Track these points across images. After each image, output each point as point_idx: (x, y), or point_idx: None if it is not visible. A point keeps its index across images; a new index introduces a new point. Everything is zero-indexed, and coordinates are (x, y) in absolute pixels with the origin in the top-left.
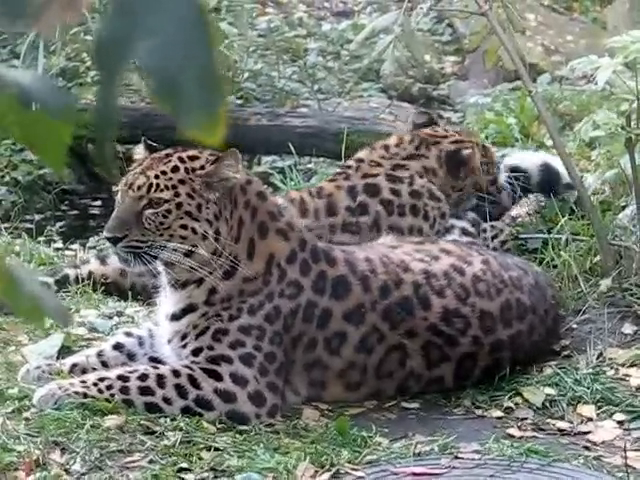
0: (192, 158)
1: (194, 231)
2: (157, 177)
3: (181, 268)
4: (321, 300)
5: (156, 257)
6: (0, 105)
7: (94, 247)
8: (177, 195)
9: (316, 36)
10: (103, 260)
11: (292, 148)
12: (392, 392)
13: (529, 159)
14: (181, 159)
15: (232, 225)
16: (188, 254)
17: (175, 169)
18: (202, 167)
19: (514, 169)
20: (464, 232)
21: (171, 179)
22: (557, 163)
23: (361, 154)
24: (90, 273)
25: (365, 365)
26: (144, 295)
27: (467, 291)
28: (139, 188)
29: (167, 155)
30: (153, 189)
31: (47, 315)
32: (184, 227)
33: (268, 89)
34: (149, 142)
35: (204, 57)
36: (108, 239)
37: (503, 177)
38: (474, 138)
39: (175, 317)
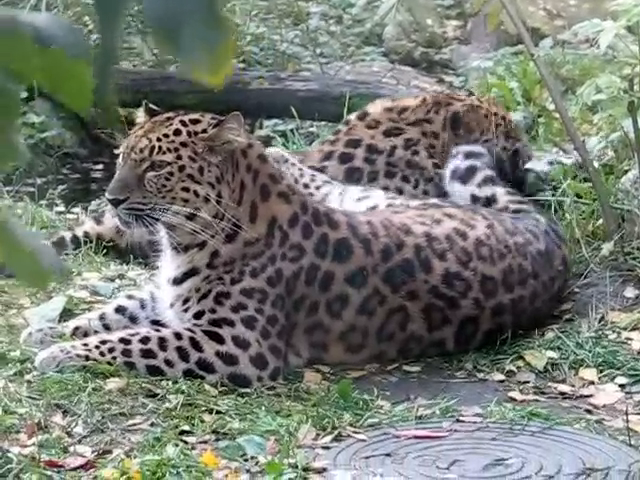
0: (194, 121)
1: (196, 194)
2: (159, 140)
3: (183, 231)
4: (323, 263)
5: (158, 219)
6: (21, 49)
7: (95, 210)
8: (179, 158)
9: (318, 0)
10: (98, 220)
11: (294, 112)
12: (393, 355)
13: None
14: (183, 122)
15: (234, 188)
16: (190, 217)
17: (177, 132)
18: (204, 130)
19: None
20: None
21: (173, 142)
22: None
23: (372, 108)
24: (86, 233)
25: (366, 328)
26: (141, 252)
27: (469, 255)
28: (141, 151)
29: (168, 118)
30: (155, 151)
31: (49, 277)
32: (186, 190)
33: (270, 53)
34: (150, 106)
35: None
36: (110, 201)
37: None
38: (495, 107)
39: (177, 281)
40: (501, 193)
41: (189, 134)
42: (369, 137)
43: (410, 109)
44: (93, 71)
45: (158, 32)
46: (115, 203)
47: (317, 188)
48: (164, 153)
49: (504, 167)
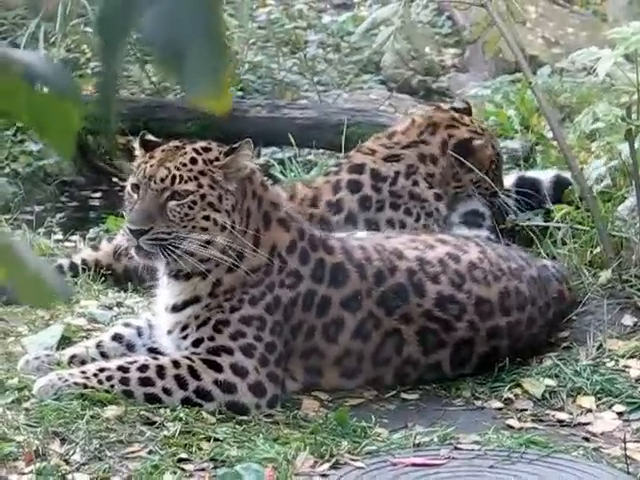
0: (206, 150)
1: (215, 222)
2: (178, 169)
3: (190, 259)
4: (320, 288)
5: (178, 248)
6: (9, 87)
7: (94, 238)
8: (200, 186)
9: (316, 28)
10: (95, 247)
11: (292, 140)
12: (390, 380)
13: (541, 172)
14: (196, 151)
15: (242, 216)
16: (206, 245)
17: (193, 161)
18: (217, 158)
19: (523, 180)
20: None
21: (192, 170)
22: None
23: (365, 143)
24: (84, 261)
25: (362, 352)
26: (138, 278)
27: (462, 277)
28: (162, 180)
29: (179, 147)
30: (177, 181)
31: (53, 297)
32: (207, 218)
33: (268, 81)
34: (145, 137)
35: (207, 24)
36: (132, 232)
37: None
38: (494, 141)
39: (176, 308)
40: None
41: (205, 162)
42: (371, 162)
43: (399, 132)
44: (96, 99)
45: (161, 60)
46: (138, 234)
47: None
48: (186, 182)
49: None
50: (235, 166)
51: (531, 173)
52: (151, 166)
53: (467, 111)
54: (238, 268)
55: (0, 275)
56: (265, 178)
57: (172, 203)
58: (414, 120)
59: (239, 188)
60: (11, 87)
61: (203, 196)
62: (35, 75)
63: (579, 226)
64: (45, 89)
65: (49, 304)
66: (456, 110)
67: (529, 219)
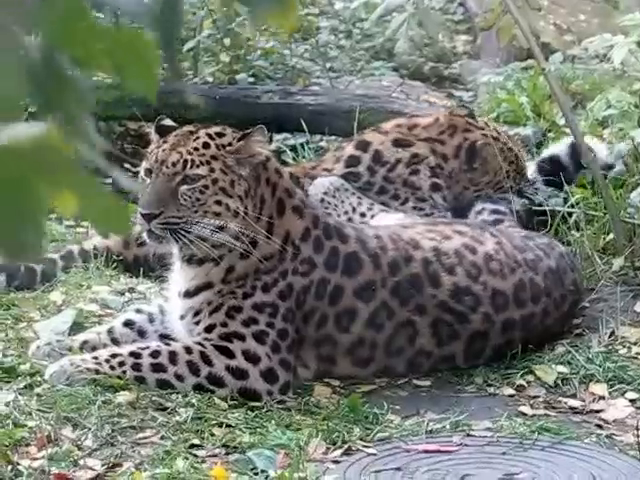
0: (219, 135)
1: (227, 207)
2: (190, 153)
3: (203, 244)
4: (333, 276)
5: (190, 233)
6: (86, 31)
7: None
8: (212, 171)
9: (328, 14)
10: (104, 234)
11: (304, 126)
12: (402, 369)
13: (555, 147)
14: (209, 135)
15: (255, 203)
16: (219, 230)
17: (206, 145)
18: (230, 144)
19: (542, 163)
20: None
21: (204, 155)
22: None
23: (384, 124)
24: (94, 247)
25: (375, 341)
26: (147, 266)
27: (479, 269)
28: (173, 165)
29: (193, 132)
30: (189, 165)
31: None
32: (218, 203)
33: (280, 67)
34: (161, 123)
35: None
36: (143, 215)
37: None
38: (511, 143)
39: (189, 294)
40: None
41: (217, 147)
42: (378, 142)
43: (420, 126)
44: (158, 26)
45: None
46: (149, 218)
47: (373, 217)
48: (197, 166)
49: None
50: (248, 152)
51: (546, 153)
52: (163, 150)
53: (468, 117)
54: (251, 255)
55: (71, 206)
56: (278, 165)
57: (184, 187)
58: (438, 118)
59: (252, 174)
60: (85, 28)
61: (215, 181)
62: (108, 4)
63: (592, 212)
64: (118, 19)
65: (127, 228)
66: (458, 117)
67: (541, 204)
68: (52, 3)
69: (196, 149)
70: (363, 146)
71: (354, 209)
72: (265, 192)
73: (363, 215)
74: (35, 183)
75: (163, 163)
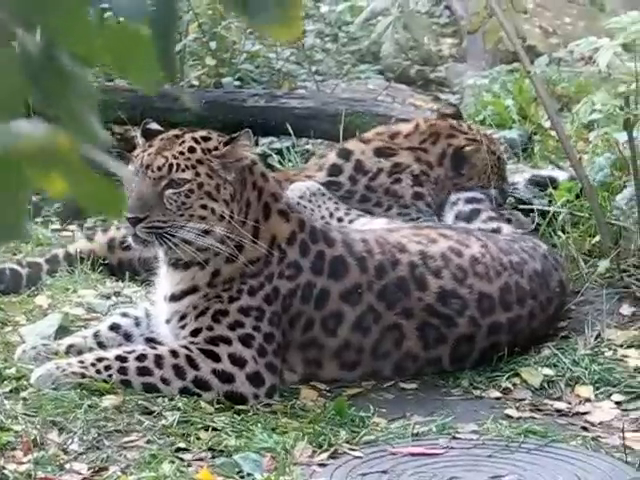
0: (205, 139)
1: (213, 211)
2: (176, 157)
3: (188, 248)
4: (319, 280)
5: (174, 237)
6: (85, 28)
7: (91, 228)
8: (198, 175)
9: (314, 18)
10: (90, 237)
11: (290, 129)
12: (389, 372)
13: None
14: (195, 140)
15: (241, 207)
16: (204, 234)
17: (192, 149)
18: (216, 148)
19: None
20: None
21: (189, 159)
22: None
23: (366, 133)
24: (80, 251)
25: (361, 345)
26: (132, 270)
27: (465, 272)
28: (159, 169)
29: (178, 136)
30: (174, 169)
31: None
32: (204, 207)
33: (266, 70)
34: (147, 127)
35: None
36: (129, 219)
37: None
38: (493, 146)
39: (174, 298)
40: (506, 227)
41: (203, 151)
42: (360, 151)
43: (402, 134)
44: (154, 28)
45: None
46: (134, 222)
47: (351, 222)
48: (183, 171)
49: None
50: (234, 156)
51: (545, 172)
52: (149, 154)
53: (455, 116)
54: (237, 259)
55: (59, 188)
56: (264, 169)
57: (169, 191)
58: (418, 125)
59: (238, 178)
60: (84, 24)
61: (200, 185)
62: (106, 1)
63: (578, 213)
64: (118, 17)
65: (116, 212)
66: (445, 115)
67: (527, 202)
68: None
69: (182, 153)
70: (345, 155)
71: (331, 214)
72: (251, 196)
73: (340, 220)
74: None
75: (148, 167)
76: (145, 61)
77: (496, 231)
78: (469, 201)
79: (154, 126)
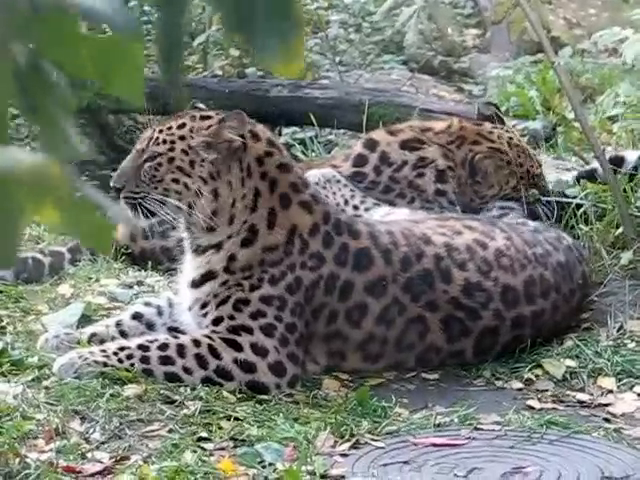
0: (203, 118)
1: (186, 186)
2: (161, 131)
3: (195, 231)
4: (343, 272)
5: (154, 212)
6: (69, 36)
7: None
8: (172, 150)
9: (338, 8)
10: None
11: (313, 119)
12: (412, 364)
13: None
14: (193, 117)
15: (245, 193)
16: (189, 212)
17: (181, 126)
18: (209, 127)
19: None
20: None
21: (173, 134)
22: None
23: (400, 124)
24: None
25: (385, 337)
26: (154, 259)
27: (490, 265)
28: (143, 141)
29: (185, 114)
30: (152, 142)
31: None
32: (176, 181)
33: None
34: (197, 107)
35: None
36: (113, 188)
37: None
38: (525, 156)
39: (195, 284)
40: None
41: (192, 129)
42: (386, 143)
43: (433, 131)
44: (159, 50)
45: (230, 27)
46: (116, 191)
47: (366, 210)
48: (158, 144)
49: None
50: (218, 137)
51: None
52: (147, 129)
53: (493, 118)
54: (252, 244)
55: (53, 220)
56: (289, 160)
57: (146, 164)
58: (451, 125)
59: (230, 160)
60: (71, 35)
61: (171, 159)
62: (93, 14)
63: (602, 204)
64: (105, 29)
65: (107, 246)
66: (483, 118)
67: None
68: (39, 10)
69: (169, 128)
70: (371, 145)
71: (346, 201)
72: (260, 185)
73: (356, 208)
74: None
75: (139, 139)
76: (130, 74)
77: (522, 224)
78: (502, 207)
79: (202, 107)
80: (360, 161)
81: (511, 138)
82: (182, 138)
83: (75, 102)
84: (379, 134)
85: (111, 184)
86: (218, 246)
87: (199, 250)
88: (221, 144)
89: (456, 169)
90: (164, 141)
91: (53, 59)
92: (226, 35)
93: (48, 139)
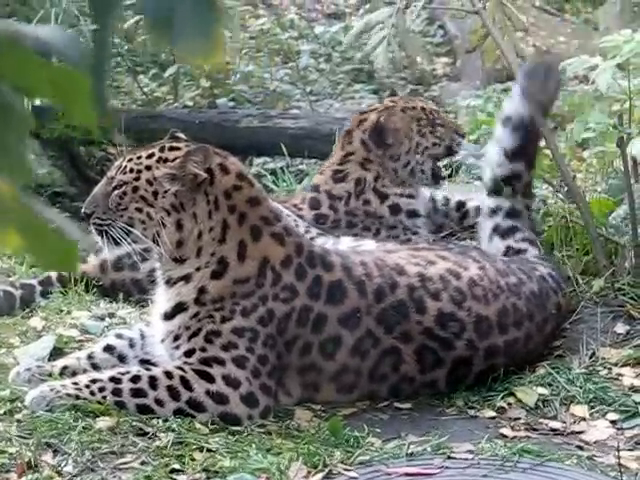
0: (172, 149)
1: (149, 216)
2: (130, 160)
3: (164, 262)
4: (316, 305)
5: (119, 240)
6: (27, 63)
7: (84, 250)
8: (137, 179)
9: (308, 38)
10: (83, 259)
11: (284, 149)
12: (384, 394)
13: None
14: (162, 148)
15: (212, 226)
16: (152, 241)
17: (150, 156)
18: (175, 159)
19: None
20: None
21: (140, 164)
22: None
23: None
24: (71, 273)
25: (359, 369)
26: (125, 291)
27: (463, 295)
28: (113, 169)
29: (155, 145)
30: (120, 171)
31: (77, 259)
32: (139, 210)
33: (260, 91)
34: (176, 136)
35: None
36: (84, 214)
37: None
38: (411, 102)
39: (167, 316)
40: (533, 250)
41: (159, 160)
42: (323, 182)
43: (337, 154)
44: (90, 69)
45: (151, 18)
46: (86, 217)
47: (311, 239)
48: (125, 173)
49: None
50: (182, 169)
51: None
52: (122, 157)
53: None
54: (222, 276)
55: (15, 245)
56: (259, 193)
57: (115, 192)
58: (340, 137)
59: (195, 193)
60: (30, 63)
61: (135, 188)
62: (45, 46)
63: (577, 220)
64: (59, 61)
65: (73, 267)
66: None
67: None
68: None
69: (139, 157)
70: (316, 188)
71: None
72: (228, 218)
73: None
74: None
75: (112, 167)
76: (81, 100)
77: (522, 252)
78: (509, 214)
79: (181, 136)
80: (315, 204)
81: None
82: (148, 168)
83: (32, 125)
84: (315, 178)
85: (82, 209)
86: (187, 278)
87: (170, 282)
88: (185, 177)
89: (370, 161)
90: (131, 170)
91: (11, 81)
92: (147, 29)
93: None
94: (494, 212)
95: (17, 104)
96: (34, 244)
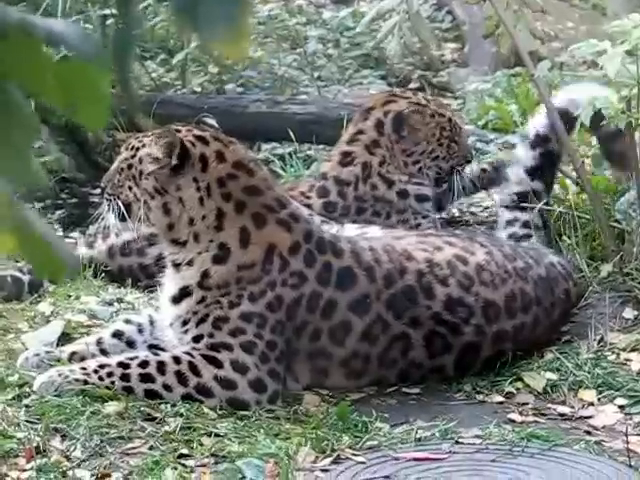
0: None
1: (136, 196)
2: (137, 138)
3: (165, 245)
4: (326, 291)
5: (123, 215)
6: (35, 64)
7: (93, 235)
8: (133, 157)
9: (316, 24)
10: (90, 244)
11: (292, 135)
12: (393, 380)
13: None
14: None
15: (205, 214)
16: (145, 221)
17: (149, 135)
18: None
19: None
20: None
21: (141, 141)
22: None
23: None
24: (81, 257)
25: (368, 354)
26: (132, 276)
27: (471, 280)
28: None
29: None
30: (124, 147)
31: (64, 268)
32: (130, 189)
33: (268, 77)
34: (204, 121)
35: None
36: (100, 188)
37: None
38: (443, 109)
39: (175, 300)
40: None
41: (151, 141)
42: (330, 168)
43: (346, 134)
44: (113, 58)
45: (177, 10)
46: (101, 191)
47: None
48: (127, 149)
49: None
50: (156, 152)
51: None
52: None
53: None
54: (225, 262)
55: (10, 247)
56: (254, 183)
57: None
58: (357, 113)
59: (169, 177)
60: (37, 64)
61: (130, 165)
62: (59, 40)
63: (584, 215)
64: (71, 55)
65: (60, 276)
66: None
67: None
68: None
69: (146, 136)
70: (323, 176)
71: None
72: (223, 206)
73: None
74: None
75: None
76: (95, 102)
77: (527, 238)
78: (525, 225)
79: (209, 121)
80: (323, 192)
81: (424, 95)
82: (140, 148)
83: (38, 129)
84: (323, 166)
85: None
86: (191, 262)
87: (176, 266)
88: (162, 160)
89: (380, 143)
90: (132, 147)
91: (18, 82)
92: (174, 23)
93: (5, 162)
94: (509, 223)
95: (24, 105)
96: (26, 250)
